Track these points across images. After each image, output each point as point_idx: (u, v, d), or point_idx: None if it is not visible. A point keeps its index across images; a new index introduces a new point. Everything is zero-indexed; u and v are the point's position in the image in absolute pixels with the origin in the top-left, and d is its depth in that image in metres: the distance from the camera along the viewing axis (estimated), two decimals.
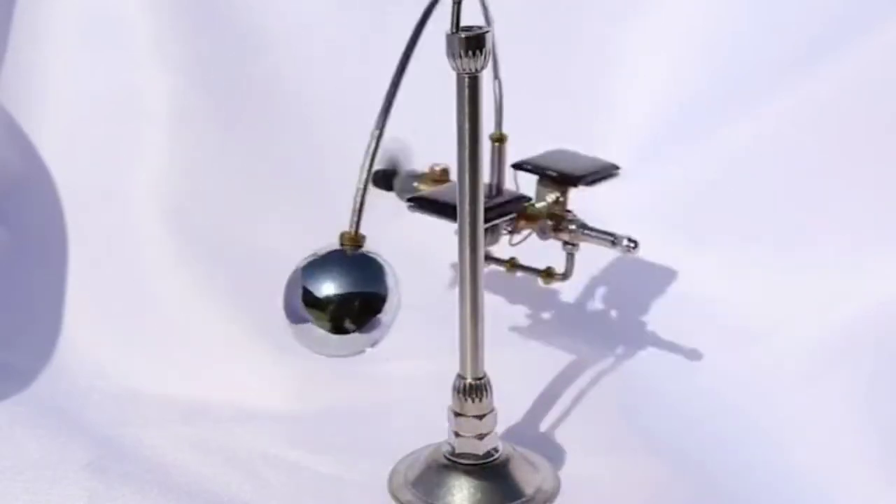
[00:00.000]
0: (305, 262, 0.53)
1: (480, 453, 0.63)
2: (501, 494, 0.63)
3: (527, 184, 0.70)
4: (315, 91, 0.92)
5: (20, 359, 0.77)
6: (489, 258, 0.70)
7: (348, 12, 0.93)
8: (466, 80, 0.57)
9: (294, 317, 0.53)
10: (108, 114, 0.87)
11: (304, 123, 0.92)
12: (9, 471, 0.65)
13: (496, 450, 0.64)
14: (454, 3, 0.56)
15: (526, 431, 0.70)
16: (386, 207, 0.74)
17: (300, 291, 0.53)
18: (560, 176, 0.69)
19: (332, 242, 0.54)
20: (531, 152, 0.73)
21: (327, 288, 0.52)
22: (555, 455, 0.67)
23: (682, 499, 0.64)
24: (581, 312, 0.83)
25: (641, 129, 0.91)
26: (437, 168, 0.73)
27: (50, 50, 0.87)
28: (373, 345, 0.53)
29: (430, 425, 0.67)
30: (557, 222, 0.68)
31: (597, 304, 0.83)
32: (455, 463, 0.64)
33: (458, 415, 0.63)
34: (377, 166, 0.66)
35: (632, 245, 0.66)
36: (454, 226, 0.59)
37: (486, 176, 0.61)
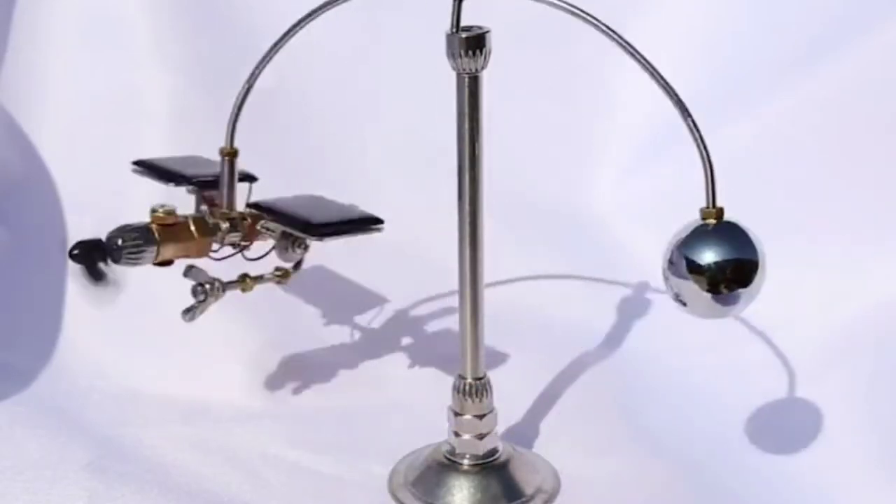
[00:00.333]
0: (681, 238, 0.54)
1: (480, 453, 0.63)
2: (501, 494, 0.63)
3: None
4: (315, 91, 0.92)
5: (20, 359, 0.77)
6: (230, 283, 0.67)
7: (348, 13, 0.93)
8: (466, 79, 0.57)
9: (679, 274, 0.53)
10: (108, 114, 0.87)
11: (304, 123, 0.92)
12: (9, 471, 0.65)
13: (496, 450, 0.64)
14: (455, 2, 0.56)
15: (526, 431, 0.70)
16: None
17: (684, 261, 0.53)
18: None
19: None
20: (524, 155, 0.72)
21: (707, 256, 0.53)
22: (555, 455, 0.67)
23: (682, 499, 0.64)
24: (581, 312, 0.82)
25: (641, 129, 0.91)
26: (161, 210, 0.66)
27: (50, 50, 0.87)
28: (739, 312, 0.53)
29: (430, 425, 0.67)
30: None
31: (597, 304, 0.83)
32: (455, 463, 0.64)
33: (458, 415, 0.63)
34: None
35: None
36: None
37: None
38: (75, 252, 0.61)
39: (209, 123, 0.89)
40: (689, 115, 0.54)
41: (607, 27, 0.56)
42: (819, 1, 0.87)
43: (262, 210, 0.66)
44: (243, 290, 0.67)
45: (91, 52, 0.87)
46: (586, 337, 0.80)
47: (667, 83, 0.54)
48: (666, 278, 0.53)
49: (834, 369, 0.74)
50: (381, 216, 0.66)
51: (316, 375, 0.76)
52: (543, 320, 0.82)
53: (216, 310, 0.80)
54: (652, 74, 0.55)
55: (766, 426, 0.70)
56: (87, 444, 0.67)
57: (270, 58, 0.66)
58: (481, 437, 0.63)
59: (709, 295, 0.51)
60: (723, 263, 0.52)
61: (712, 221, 0.54)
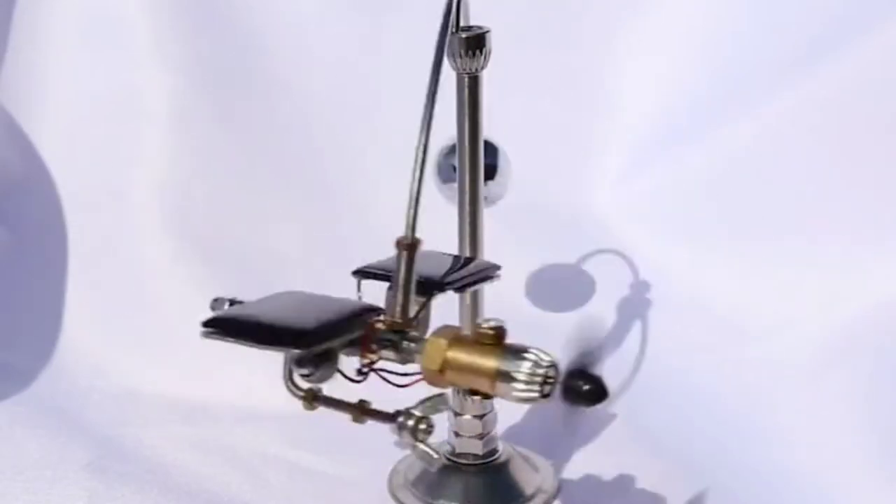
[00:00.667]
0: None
1: (480, 453, 0.63)
2: (501, 494, 0.63)
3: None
4: (315, 91, 0.92)
5: (20, 359, 0.77)
6: (319, 398, 0.54)
7: (348, 12, 0.93)
8: (466, 79, 0.57)
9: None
10: (108, 114, 0.87)
11: (304, 123, 0.92)
12: (9, 471, 0.65)
13: (496, 450, 0.64)
14: (454, 2, 0.56)
15: (526, 431, 0.70)
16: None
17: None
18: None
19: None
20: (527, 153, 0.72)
21: None
22: (555, 455, 0.67)
23: (681, 499, 0.64)
24: (581, 312, 0.82)
25: (641, 129, 0.91)
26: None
27: (50, 50, 0.87)
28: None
29: None
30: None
31: (597, 304, 0.83)
32: (455, 463, 0.64)
33: (458, 415, 0.63)
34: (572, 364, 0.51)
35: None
36: None
37: None
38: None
39: (209, 123, 0.90)
40: None
41: None
42: (819, 1, 0.87)
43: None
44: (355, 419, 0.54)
45: (91, 52, 0.87)
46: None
47: None
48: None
49: (834, 369, 0.74)
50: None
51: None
52: (543, 320, 0.82)
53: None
54: None
55: (766, 426, 0.70)
56: (87, 444, 0.67)
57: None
58: (481, 437, 0.63)
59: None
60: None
61: None
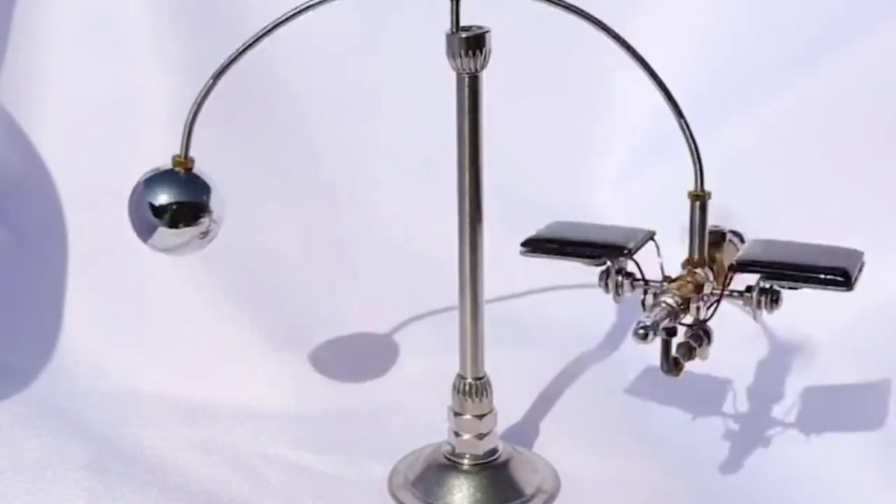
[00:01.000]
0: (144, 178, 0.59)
1: (480, 453, 0.63)
2: (501, 494, 0.63)
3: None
4: (315, 91, 0.92)
5: (20, 359, 0.77)
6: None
7: (348, 12, 0.93)
8: (466, 79, 0.57)
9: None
10: (108, 114, 0.87)
11: (304, 123, 0.92)
12: (9, 471, 0.65)
13: (496, 450, 0.64)
14: (454, 2, 0.56)
15: (526, 431, 0.70)
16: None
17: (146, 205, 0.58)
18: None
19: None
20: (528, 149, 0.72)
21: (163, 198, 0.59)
22: (555, 455, 0.67)
23: (682, 499, 0.64)
24: (581, 312, 0.82)
25: (641, 128, 0.91)
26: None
27: (50, 50, 0.87)
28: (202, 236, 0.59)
29: (430, 425, 0.67)
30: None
31: (597, 303, 0.83)
32: (455, 463, 0.64)
33: (458, 415, 0.63)
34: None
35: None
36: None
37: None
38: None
39: (209, 123, 0.89)
40: (682, 115, 0.54)
41: (605, 26, 0.56)
42: (819, 1, 0.87)
43: (756, 268, 0.59)
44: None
45: (91, 52, 0.87)
46: (586, 337, 0.80)
47: (660, 81, 0.55)
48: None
49: (834, 369, 0.74)
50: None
51: (316, 375, 0.76)
52: (543, 320, 0.82)
53: (215, 310, 0.80)
54: (647, 70, 0.55)
55: (766, 426, 0.70)
56: (87, 444, 0.67)
57: (240, 55, 0.63)
58: (481, 436, 0.63)
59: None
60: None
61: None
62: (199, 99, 0.59)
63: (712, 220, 0.60)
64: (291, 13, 0.59)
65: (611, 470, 0.66)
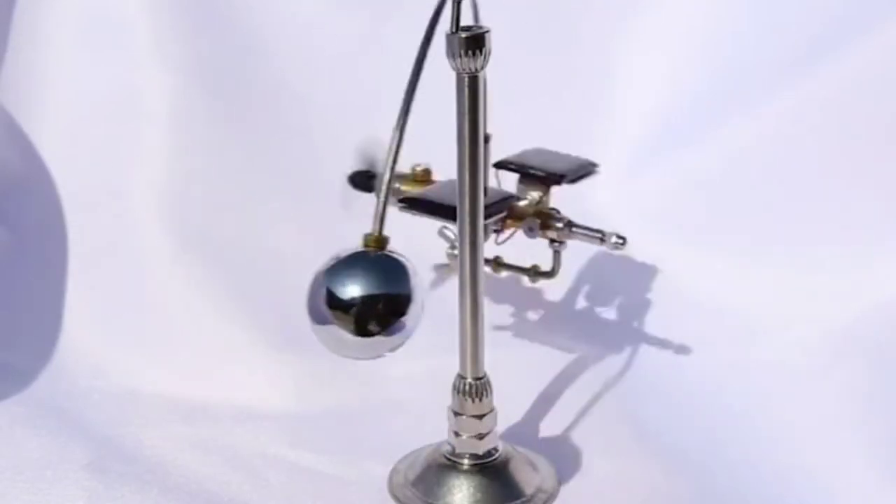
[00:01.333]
0: (329, 265, 0.52)
1: (480, 453, 0.63)
2: (501, 494, 0.63)
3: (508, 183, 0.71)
4: (315, 91, 0.92)
5: (20, 359, 0.77)
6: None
7: (349, 12, 0.93)
8: (466, 79, 0.57)
9: (318, 318, 0.52)
10: (108, 114, 0.87)
11: (304, 123, 0.92)
12: (9, 471, 0.65)
13: (496, 450, 0.64)
14: (454, 2, 0.56)
15: (526, 431, 0.70)
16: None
17: (324, 293, 0.51)
18: (545, 174, 0.71)
19: (356, 245, 0.54)
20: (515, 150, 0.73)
21: (352, 290, 0.51)
22: (555, 455, 0.67)
23: (681, 499, 0.64)
24: (581, 312, 0.82)
25: (641, 128, 0.91)
26: (419, 168, 0.73)
27: (50, 50, 0.87)
28: (392, 349, 0.53)
29: (430, 425, 0.67)
30: (545, 220, 0.69)
31: (597, 304, 0.83)
32: (455, 463, 0.64)
33: (458, 415, 0.63)
34: (355, 167, 0.71)
35: (620, 241, 0.67)
36: (439, 224, 0.65)
37: None
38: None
39: (209, 123, 0.89)
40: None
41: None
42: (819, 1, 0.87)
43: (511, 169, 0.70)
44: (494, 270, 0.70)
45: (91, 52, 0.87)
46: (587, 336, 0.80)
47: None
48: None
49: (834, 369, 0.74)
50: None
51: (316, 375, 0.76)
52: (544, 320, 0.82)
53: (215, 310, 0.80)
54: None
55: (766, 426, 0.70)
56: (87, 444, 0.67)
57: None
58: (481, 436, 0.63)
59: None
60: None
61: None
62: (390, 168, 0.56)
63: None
64: None
65: (611, 470, 0.66)
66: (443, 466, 0.64)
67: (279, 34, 0.92)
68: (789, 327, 0.78)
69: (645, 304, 0.82)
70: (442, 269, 0.71)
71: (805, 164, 0.84)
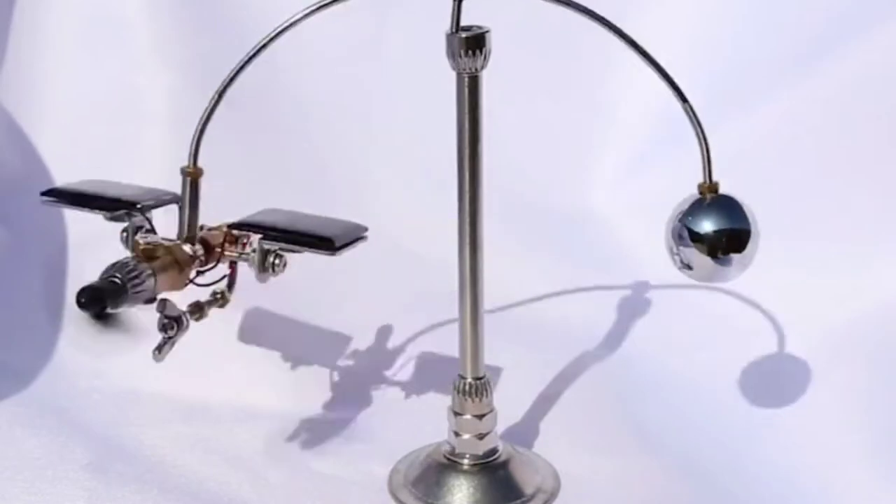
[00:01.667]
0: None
1: (480, 453, 0.63)
2: (501, 494, 0.63)
3: None
4: (315, 91, 0.92)
5: (20, 359, 0.77)
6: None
7: (348, 12, 0.93)
8: (466, 79, 0.57)
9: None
10: (108, 114, 0.87)
11: (304, 123, 0.92)
12: (9, 471, 0.65)
13: (496, 450, 0.64)
14: (455, 2, 0.56)
15: (526, 431, 0.70)
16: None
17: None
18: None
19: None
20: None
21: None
22: (555, 455, 0.67)
23: (681, 499, 0.64)
24: (581, 312, 0.82)
25: (641, 128, 0.91)
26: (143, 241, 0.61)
27: (50, 50, 0.87)
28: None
29: (430, 425, 0.67)
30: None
31: (597, 304, 0.83)
32: (455, 463, 0.64)
33: (458, 415, 0.63)
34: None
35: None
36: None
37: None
38: (82, 300, 0.54)
39: (209, 123, 0.89)
40: (686, 101, 0.60)
41: (608, 22, 0.56)
42: (819, 1, 0.87)
43: (253, 229, 0.60)
44: (198, 319, 0.61)
45: (91, 52, 0.87)
46: (586, 337, 0.80)
47: (668, 76, 0.56)
48: (671, 249, 0.58)
49: (834, 369, 0.74)
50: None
51: (316, 375, 0.76)
52: (543, 320, 0.82)
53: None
54: (652, 63, 0.59)
55: (766, 426, 0.70)
56: (87, 444, 0.67)
57: (245, 66, 0.63)
58: (481, 436, 0.63)
59: (709, 259, 0.56)
60: (720, 232, 0.57)
61: (709, 195, 0.58)
62: (204, 117, 0.61)
63: None
64: (292, 21, 0.59)
65: (611, 470, 0.66)
66: (443, 466, 0.64)
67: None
68: (789, 327, 0.78)
69: (644, 304, 0.82)
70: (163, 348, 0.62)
71: (805, 164, 0.85)
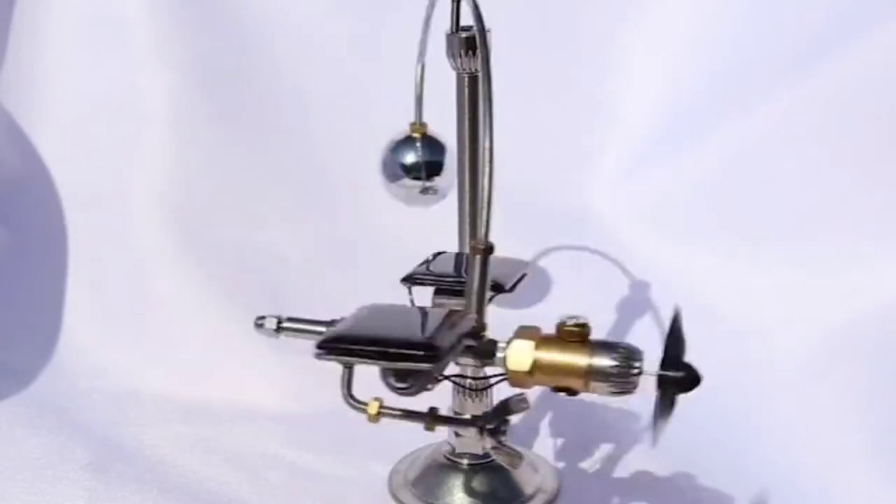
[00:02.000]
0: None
1: (480, 453, 0.63)
2: (501, 494, 0.63)
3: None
4: (315, 91, 0.92)
5: (20, 359, 0.77)
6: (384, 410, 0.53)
7: (348, 12, 0.93)
8: (466, 79, 0.57)
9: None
10: (108, 114, 0.87)
11: (304, 123, 0.92)
12: (9, 471, 0.65)
13: None
14: (454, 2, 0.56)
15: (526, 431, 0.70)
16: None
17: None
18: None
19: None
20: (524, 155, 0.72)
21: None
22: (555, 455, 0.67)
23: (681, 499, 0.64)
24: (582, 312, 0.82)
25: (641, 129, 0.91)
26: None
27: (50, 50, 0.87)
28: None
29: None
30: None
31: (597, 304, 0.83)
32: (455, 463, 0.64)
33: (458, 415, 0.63)
34: None
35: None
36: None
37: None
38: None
39: (209, 123, 0.89)
40: None
41: None
42: (819, 1, 0.87)
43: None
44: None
45: (91, 53, 0.87)
46: None
47: None
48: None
49: (834, 369, 0.74)
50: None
51: (316, 375, 0.76)
52: (543, 320, 0.82)
53: (216, 310, 0.80)
54: None
55: (766, 426, 0.70)
56: (87, 444, 0.67)
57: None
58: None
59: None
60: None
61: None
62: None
63: None
64: None
65: (611, 470, 0.66)
66: (443, 466, 0.64)
67: (278, 34, 0.92)
68: (789, 327, 0.78)
69: (644, 304, 0.82)
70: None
71: (805, 164, 0.84)
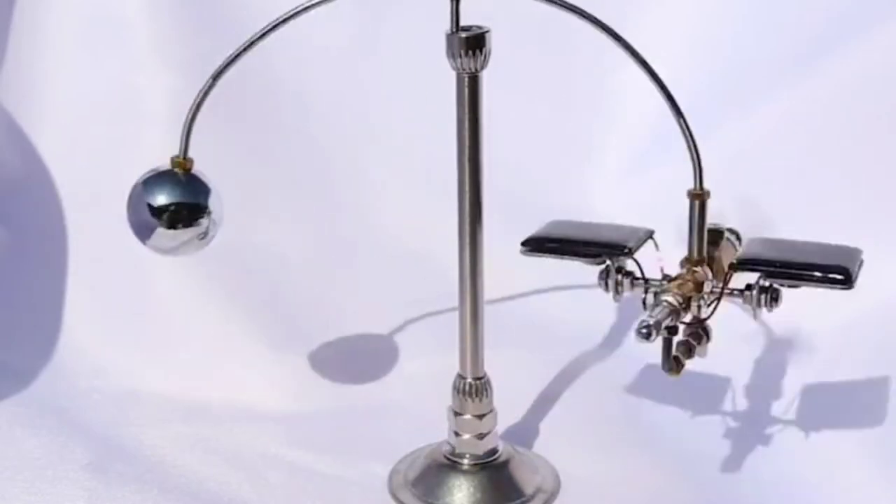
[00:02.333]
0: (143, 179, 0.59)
1: (480, 453, 0.63)
2: (501, 494, 0.63)
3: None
4: (315, 91, 0.92)
5: (20, 359, 0.77)
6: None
7: (347, 12, 0.93)
8: (466, 79, 0.57)
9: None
10: (108, 114, 0.87)
11: (304, 123, 0.92)
12: (9, 471, 0.65)
13: (496, 450, 0.64)
14: (454, 2, 0.56)
15: (526, 431, 0.70)
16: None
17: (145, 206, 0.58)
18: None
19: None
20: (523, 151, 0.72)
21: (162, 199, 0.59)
22: (555, 455, 0.67)
23: (681, 499, 0.64)
24: (581, 311, 0.82)
25: (640, 129, 0.91)
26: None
27: (50, 50, 0.87)
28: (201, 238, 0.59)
29: (430, 425, 0.67)
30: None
31: (597, 304, 0.83)
32: (455, 463, 0.64)
33: (458, 414, 0.63)
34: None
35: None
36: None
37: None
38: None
39: (209, 123, 0.89)
40: (681, 114, 0.59)
41: (606, 26, 0.56)
42: (819, 1, 0.87)
43: (759, 267, 0.59)
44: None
45: (91, 53, 0.87)
46: (586, 337, 0.80)
47: (660, 81, 0.55)
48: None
49: (834, 369, 0.74)
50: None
51: (316, 375, 0.76)
52: (543, 320, 0.82)
53: (216, 310, 0.80)
54: (649, 72, 0.55)
55: (766, 425, 0.70)
56: (87, 444, 0.67)
57: (238, 57, 0.63)
58: (481, 436, 0.63)
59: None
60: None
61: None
62: (198, 99, 0.59)
63: (710, 220, 0.60)
64: (291, 13, 0.58)
65: (611, 470, 0.66)
66: (443, 466, 0.64)
67: (278, 34, 0.92)
68: (790, 327, 0.78)
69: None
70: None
71: (805, 165, 0.85)
